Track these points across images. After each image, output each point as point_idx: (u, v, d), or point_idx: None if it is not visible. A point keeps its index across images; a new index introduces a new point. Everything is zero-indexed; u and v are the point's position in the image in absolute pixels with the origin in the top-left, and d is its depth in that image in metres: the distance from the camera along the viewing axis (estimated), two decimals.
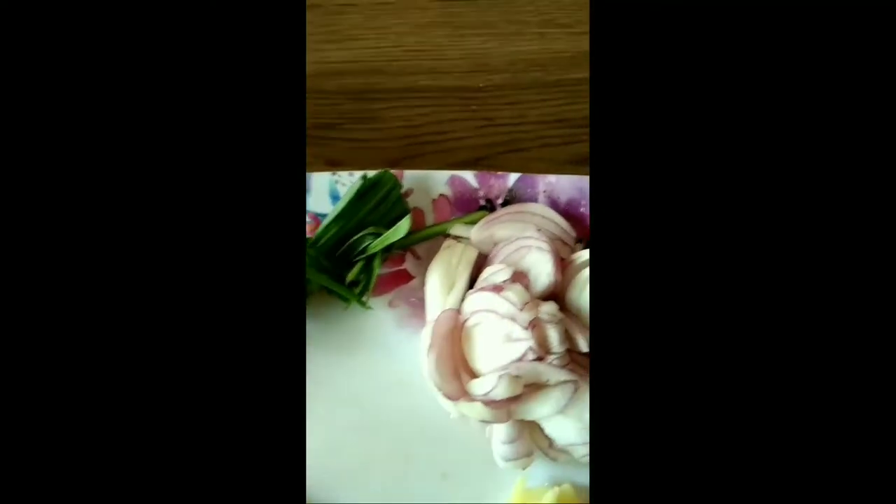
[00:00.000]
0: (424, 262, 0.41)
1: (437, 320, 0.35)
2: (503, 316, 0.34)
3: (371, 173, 0.39)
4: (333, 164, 0.44)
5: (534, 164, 0.45)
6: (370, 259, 0.38)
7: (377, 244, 0.37)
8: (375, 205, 0.39)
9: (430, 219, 0.41)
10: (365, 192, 0.39)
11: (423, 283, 0.40)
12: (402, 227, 0.36)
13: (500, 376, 0.32)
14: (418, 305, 0.40)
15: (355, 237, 0.38)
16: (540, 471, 0.35)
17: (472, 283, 0.38)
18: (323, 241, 0.39)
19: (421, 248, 0.42)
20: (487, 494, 0.35)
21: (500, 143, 0.47)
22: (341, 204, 0.39)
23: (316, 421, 0.37)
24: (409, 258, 0.41)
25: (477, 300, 0.35)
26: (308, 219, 0.42)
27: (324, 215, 0.42)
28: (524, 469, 0.34)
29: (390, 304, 0.40)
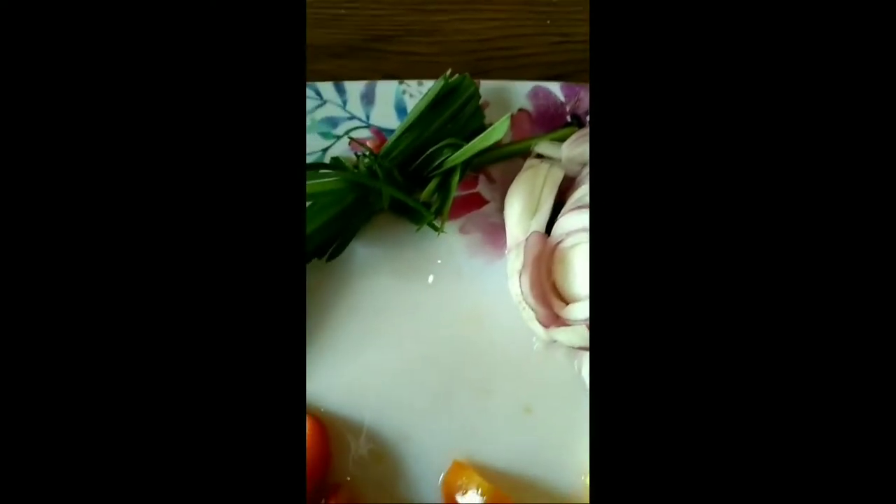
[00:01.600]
0: (500, 185, 0.37)
1: (527, 242, 0.32)
2: None
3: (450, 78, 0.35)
4: (389, 79, 0.39)
5: None
6: (447, 175, 0.34)
7: (458, 156, 0.33)
8: (452, 115, 0.35)
9: (507, 136, 0.37)
10: (442, 99, 0.35)
11: (498, 208, 0.37)
12: (498, 130, 0.32)
13: None
14: (492, 232, 0.36)
15: (431, 150, 0.35)
16: None
17: (556, 208, 0.35)
18: (395, 153, 0.35)
19: (495, 170, 0.38)
20: (573, 430, 0.32)
21: (578, 62, 0.42)
22: (415, 112, 0.35)
23: (385, 351, 0.34)
24: (482, 181, 0.38)
25: (572, 220, 0.32)
26: (370, 133, 0.39)
27: (389, 130, 0.38)
28: None
29: (461, 230, 0.36)
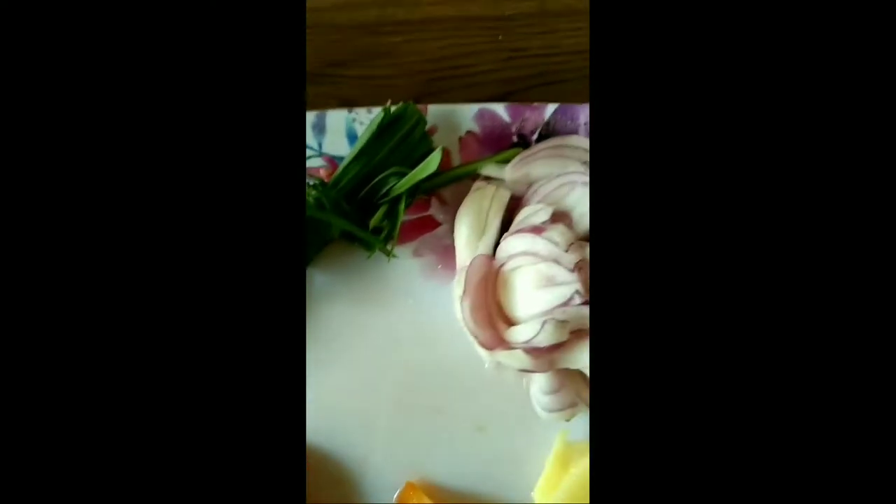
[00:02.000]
0: (451, 208, 0.38)
1: (470, 265, 0.33)
2: (545, 258, 0.31)
3: (393, 107, 0.36)
4: (348, 104, 0.40)
5: (569, 97, 0.41)
6: (395, 202, 0.35)
7: (403, 184, 0.34)
8: (398, 142, 0.36)
9: (456, 159, 0.38)
10: (386, 128, 0.36)
11: (450, 230, 0.37)
12: (433, 161, 0.33)
13: (544, 322, 0.30)
14: (445, 254, 0.37)
15: (378, 178, 0.35)
16: (583, 424, 0.33)
17: (504, 228, 0.36)
18: (343, 182, 0.36)
19: (447, 192, 0.39)
20: (526, 448, 0.33)
21: (531, 76, 0.42)
22: (361, 142, 0.36)
23: (342, 375, 0.35)
24: (434, 203, 0.38)
25: (515, 243, 0.32)
26: (323, 161, 0.39)
27: (341, 158, 0.39)
28: (567, 421, 0.33)
29: (415, 253, 0.37)
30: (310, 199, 0.36)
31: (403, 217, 0.36)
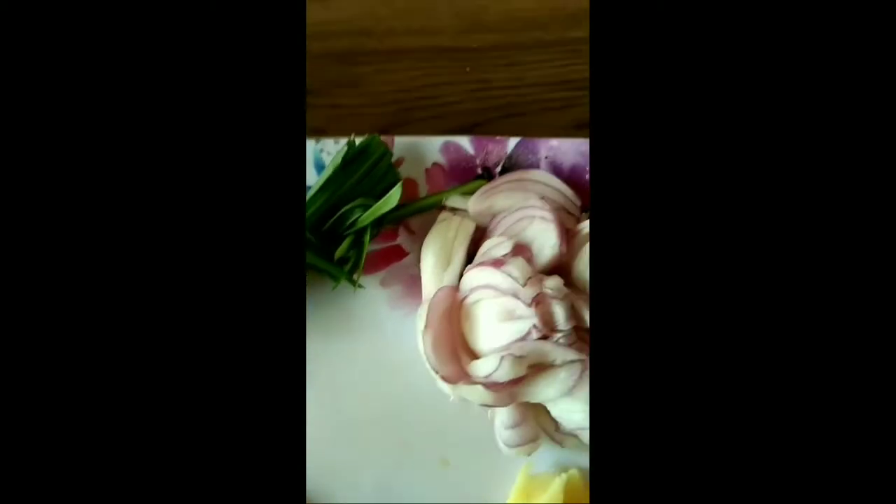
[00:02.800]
0: (418, 237, 0.38)
1: (433, 298, 0.33)
2: (505, 292, 0.31)
3: (358, 140, 0.36)
4: (317, 133, 0.40)
5: (533, 129, 0.42)
6: (360, 233, 0.35)
7: (367, 217, 0.34)
8: (364, 174, 0.36)
9: (423, 189, 0.38)
10: (352, 160, 0.36)
11: (417, 260, 0.37)
12: (394, 196, 0.33)
13: (503, 357, 0.30)
14: (412, 284, 0.37)
15: (343, 209, 0.35)
16: (546, 456, 0.33)
17: (470, 259, 0.36)
18: (309, 213, 0.36)
19: (414, 222, 0.39)
20: (490, 482, 0.33)
21: (497, 108, 0.43)
22: (326, 173, 0.36)
23: (311, 409, 0.33)
24: (401, 233, 0.38)
25: (476, 276, 0.33)
26: None
27: (308, 188, 0.39)
28: (529, 455, 0.32)
29: (382, 283, 0.37)
30: None
31: (370, 247, 0.36)
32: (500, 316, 0.31)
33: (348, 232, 0.36)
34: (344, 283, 0.36)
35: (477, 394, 0.30)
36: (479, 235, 0.37)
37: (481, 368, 0.31)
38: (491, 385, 0.30)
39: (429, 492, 0.33)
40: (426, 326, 0.32)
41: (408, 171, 0.38)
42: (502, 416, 0.32)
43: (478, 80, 0.44)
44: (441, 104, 0.44)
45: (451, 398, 0.34)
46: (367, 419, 0.35)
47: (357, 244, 0.36)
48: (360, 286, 0.36)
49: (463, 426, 0.34)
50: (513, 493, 0.32)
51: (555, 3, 0.47)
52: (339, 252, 0.36)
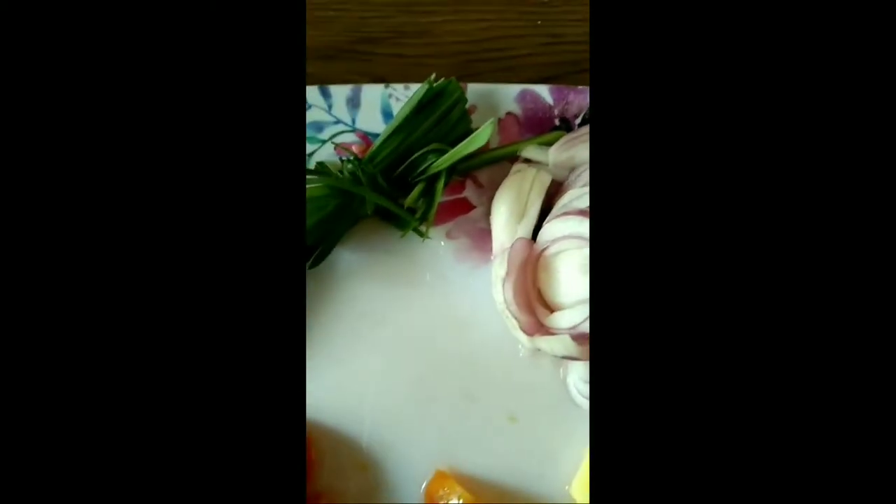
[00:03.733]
0: (487, 190, 0.37)
1: (512, 248, 0.31)
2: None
3: (435, 82, 0.34)
4: (376, 82, 0.39)
5: None
6: (432, 180, 0.34)
7: (443, 161, 0.33)
8: (437, 120, 0.35)
9: (494, 141, 0.37)
10: (426, 104, 0.34)
11: (485, 214, 0.36)
12: (482, 135, 0.31)
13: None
14: (479, 237, 0.36)
15: (415, 155, 0.34)
16: None
17: (543, 213, 0.35)
18: (379, 158, 0.34)
19: (483, 175, 0.37)
20: (559, 438, 0.32)
21: (569, 63, 0.42)
22: (399, 117, 0.35)
23: (368, 357, 0.34)
24: (468, 185, 0.37)
25: (558, 227, 0.31)
26: (355, 138, 0.38)
27: (375, 135, 0.37)
28: None
29: (448, 236, 0.36)
30: (345, 174, 0.34)
31: (440, 197, 0.35)
32: (585, 267, 0.30)
33: (419, 178, 0.35)
34: (411, 233, 0.35)
35: (561, 345, 0.29)
36: (554, 190, 0.35)
37: (565, 320, 0.30)
38: (577, 336, 0.29)
39: (496, 448, 0.32)
40: (506, 276, 0.31)
41: (480, 120, 0.36)
42: (580, 371, 0.31)
43: (549, 35, 0.42)
44: (510, 56, 0.42)
45: (521, 352, 0.33)
46: (432, 372, 0.33)
47: (428, 192, 0.34)
48: (427, 236, 0.35)
49: (532, 381, 0.33)
50: (587, 454, 0.31)
51: None
52: (409, 200, 0.34)
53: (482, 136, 0.32)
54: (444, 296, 0.35)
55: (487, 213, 0.36)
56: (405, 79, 0.38)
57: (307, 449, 0.32)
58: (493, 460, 0.32)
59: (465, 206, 0.37)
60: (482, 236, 0.36)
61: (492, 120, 0.33)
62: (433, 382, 0.33)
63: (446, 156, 0.33)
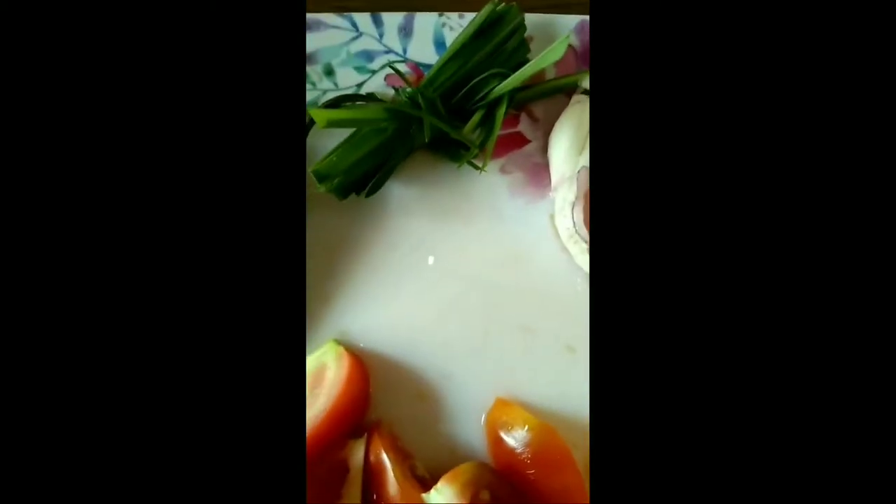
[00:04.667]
0: (542, 124, 0.36)
1: (579, 176, 0.31)
2: None
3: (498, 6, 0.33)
4: (430, 10, 0.38)
5: None
6: (493, 107, 0.33)
7: (506, 84, 0.32)
8: (495, 47, 0.33)
9: (550, 73, 0.36)
10: (486, 28, 0.33)
11: (541, 148, 0.35)
12: (558, 49, 0.30)
13: None
14: (535, 172, 0.35)
15: (476, 79, 0.33)
16: None
17: None
18: (436, 85, 0.33)
19: (538, 109, 0.37)
20: None
21: None
22: (458, 41, 0.33)
23: (423, 289, 0.33)
24: (523, 119, 0.36)
25: None
26: (407, 68, 0.37)
27: (427, 66, 0.36)
28: None
29: (502, 170, 0.35)
30: (403, 98, 0.33)
31: (500, 126, 0.34)
32: None
33: (479, 105, 0.34)
34: (466, 166, 0.34)
35: None
36: None
37: None
38: None
39: (555, 377, 0.32)
40: (575, 201, 0.30)
41: (537, 51, 0.35)
42: None
43: None
44: None
45: (579, 284, 0.32)
46: (488, 305, 0.33)
47: (488, 119, 0.33)
48: (483, 170, 0.34)
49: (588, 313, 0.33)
50: None
51: None
52: (467, 129, 0.33)
53: (552, 54, 0.31)
54: (498, 230, 0.34)
55: (543, 148, 0.35)
56: (457, 7, 0.37)
57: (365, 378, 0.32)
58: (553, 390, 0.32)
59: (519, 141, 0.36)
60: (537, 171, 0.35)
61: (566, 36, 0.31)
62: (490, 315, 0.33)
63: (509, 79, 0.32)
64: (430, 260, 0.33)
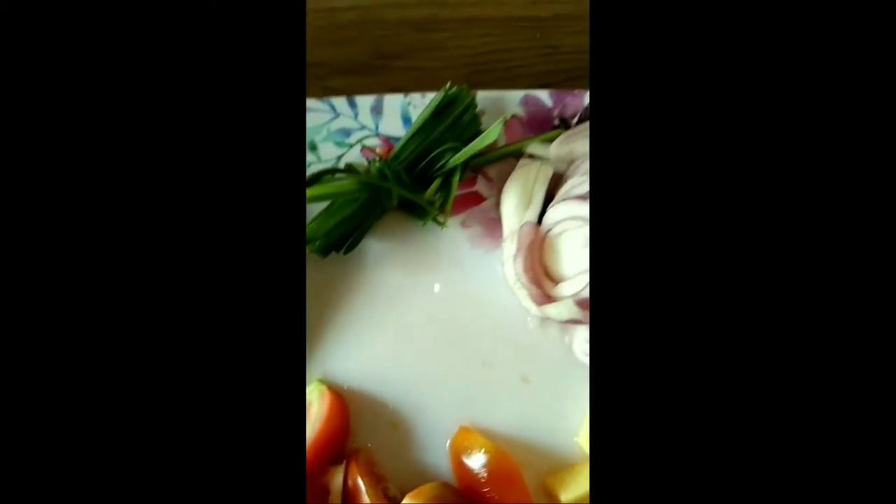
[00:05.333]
0: (496, 184, 0.42)
1: (520, 231, 0.36)
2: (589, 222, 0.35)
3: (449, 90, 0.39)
4: (395, 92, 0.44)
5: None
6: (449, 174, 0.39)
7: (459, 157, 0.38)
8: (452, 122, 0.40)
9: (501, 140, 0.42)
10: (443, 108, 0.39)
11: (495, 204, 0.41)
12: (492, 133, 0.36)
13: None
14: (490, 225, 0.41)
15: (434, 153, 0.39)
16: None
17: (546, 201, 0.39)
18: (402, 157, 0.39)
19: (492, 171, 0.42)
20: (566, 396, 0.36)
21: (566, 70, 0.47)
22: (420, 120, 0.40)
23: (398, 331, 0.38)
24: (480, 180, 0.42)
25: (561, 210, 0.36)
26: (379, 141, 0.43)
27: (396, 139, 0.42)
28: None
29: (462, 224, 0.41)
30: (373, 171, 0.39)
31: (456, 190, 0.39)
32: (584, 243, 0.35)
33: (437, 174, 0.39)
34: (430, 223, 0.40)
35: (567, 310, 0.34)
36: (555, 181, 0.40)
37: (569, 288, 0.34)
38: (581, 301, 0.33)
39: (511, 405, 0.37)
40: (516, 254, 0.35)
41: (488, 122, 0.41)
42: (582, 334, 0.35)
43: (547, 46, 0.48)
44: (513, 66, 0.47)
45: (530, 322, 0.37)
46: (453, 343, 0.38)
47: (445, 185, 0.39)
48: (445, 225, 0.40)
49: (541, 347, 0.37)
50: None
51: None
52: (429, 193, 0.39)
53: (491, 134, 0.37)
54: (460, 277, 0.39)
55: (497, 204, 0.41)
56: (421, 89, 0.43)
57: (345, 413, 0.36)
58: (509, 417, 0.36)
59: (477, 199, 0.41)
60: (492, 224, 0.40)
61: (500, 120, 0.38)
62: (454, 351, 0.38)
63: (460, 153, 0.38)
64: (403, 306, 0.39)
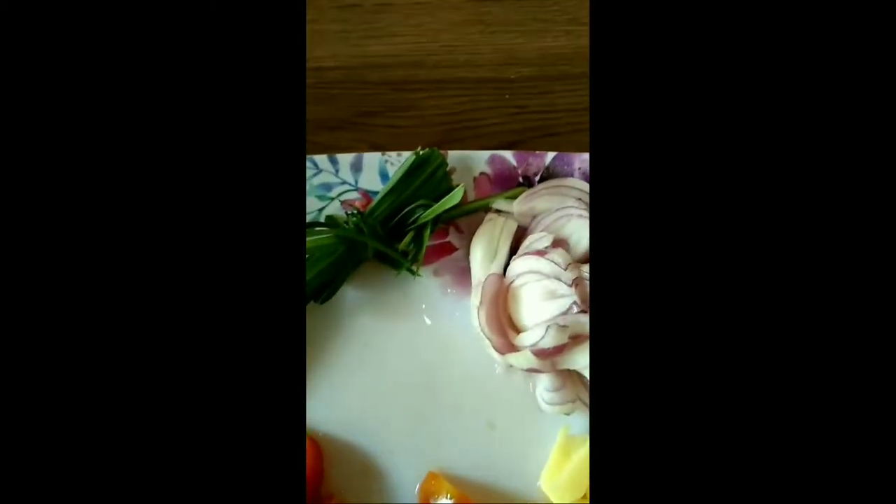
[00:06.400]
0: (466, 235, 0.44)
1: (485, 282, 0.38)
2: (548, 275, 0.37)
3: (421, 151, 0.43)
4: (377, 148, 0.47)
5: (564, 147, 0.48)
6: (421, 229, 0.42)
7: (429, 213, 0.40)
8: (424, 180, 0.42)
9: (471, 195, 0.45)
10: (415, 168, 0.42)
11: (465, 254, 0.43)
12: (456, 195, 0.39)
13: (548, 327, 0.35)
14: (461, 274, 0.43)
15: (407, 209, 0.42)
16: (582, 420, 0.38)
17: (512, 252, 0.42)
18: (378, 212, 0.42)
19: (463, 223, 0.45)
20: (531, 442, 0.38)
21: (533, 129, 0.50)
22: (394, 179, 0.43)
23: (370, 377, 0.40)
24: (452, 231, 0.45)
25: (522, 264, 0.39)
26: (358, 195, 0.46)
27: (374, 193, 0.45)
28: (568, 414, 0.37)
29: (435, 273, 0.43)
30: (350, 225, 0.42)
31: (427, 242, 0.42)
32: (544, 296, 0.37)
33: (411, 228, 0.42)
34: (404, 272, 0.42)
35: (525, 360, 0.36)
36: (520, 234, 0.43)
37: (529, 338, 0.37)
38: (538, 352, 0.35)
39: (478, 450, 0.38)
40: (480, 305, 0.37)
41: (458, 179, 0.44)
42: (545, 382, 0.37)
43: (516, 106, 0.51)
44: (484, 125, 0.51)
45: (497, 369, 0.39)
46: (422, 389, 0.40)
47: (418, 238, 0.42)
48: (418, 275, 0.42)
49: (506, 394, 0.39)
50: (553, 451, 0.37)
51: (580, 42, 0.54)
52: (402, 244, 0.42)
53: (455, 196, 0.40)
54: (432, 324, 0.42)
55: (467, 254, 0.43)
56: (398, 146, 0.46)
57: (319, 458, 0.38)
58: (476, 461, 0.38)
59: (448, 249, 0.44)
60: (464, 273, 0.43)
61: (461, 185, 0.41)
62: (424, 397, 0.40)
63: (431, 209, 0.41)
64: (377, 352, 0.41)
